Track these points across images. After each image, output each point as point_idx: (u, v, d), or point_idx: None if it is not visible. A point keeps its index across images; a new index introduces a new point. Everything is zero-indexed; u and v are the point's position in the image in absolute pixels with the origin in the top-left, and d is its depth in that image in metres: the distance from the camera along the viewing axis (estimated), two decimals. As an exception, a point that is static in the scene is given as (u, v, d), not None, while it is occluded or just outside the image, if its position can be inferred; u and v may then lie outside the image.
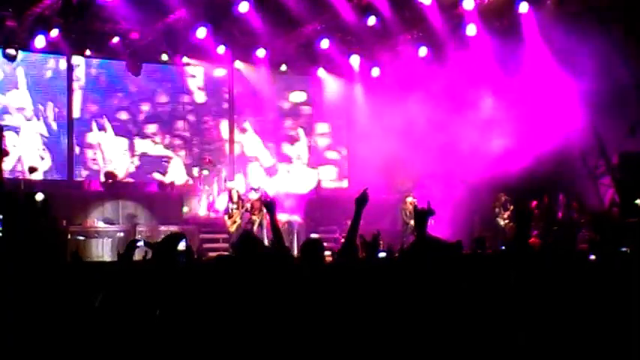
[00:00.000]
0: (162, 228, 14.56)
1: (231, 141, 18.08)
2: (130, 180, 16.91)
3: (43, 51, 15.61)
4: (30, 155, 15.86)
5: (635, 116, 14.45)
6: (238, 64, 17.54)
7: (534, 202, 14.45)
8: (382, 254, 8.44)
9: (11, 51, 15.00)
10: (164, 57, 16.45)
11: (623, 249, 8.69)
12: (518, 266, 4.81)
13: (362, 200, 5.26)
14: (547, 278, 4.82)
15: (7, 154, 14.15)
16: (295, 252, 14.08)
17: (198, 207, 16.39)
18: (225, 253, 12.86)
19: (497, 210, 15.35)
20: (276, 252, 5.34)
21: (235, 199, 14.31)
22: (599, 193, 15.17)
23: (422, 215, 5.03)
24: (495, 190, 15.47)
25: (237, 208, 14.12)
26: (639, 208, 13.64)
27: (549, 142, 14.38)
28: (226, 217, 14.43)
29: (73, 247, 13.40)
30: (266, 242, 10.95)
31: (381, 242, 8.78)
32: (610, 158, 15.08)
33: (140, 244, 6.88)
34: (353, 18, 15.30)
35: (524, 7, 14.81)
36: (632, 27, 14.58)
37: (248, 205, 14.25)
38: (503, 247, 12.82)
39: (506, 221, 15.09)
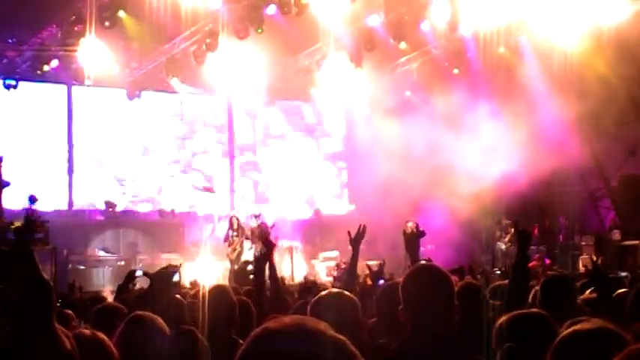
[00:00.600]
0: (164, 256, 14.56)
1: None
2: (130, 208, 16.94)
3: (43, 80, 15.71)
4: (29, 185, 15.89)
5: (635, 137, 14.49)
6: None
7: (535, 226, 14.41)
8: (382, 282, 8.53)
9: (11, 81, 15.09)
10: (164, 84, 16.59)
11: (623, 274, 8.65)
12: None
13: (359, 238, 5.32)
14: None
15: (7, 184, 14.14)
16: (295, 278, 14.18)
17: (200, 234, 16.39)
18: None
19: (497, 234, 15.33)
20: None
21: (235, 226, 14.30)
22: (600, 215, 15.16)
23: (412, 238, 5.00)
24: (495, 215, 15.48)
25: (238, 236, 14.09)
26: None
27: (548, 164, 14.43)
28: (226, 244, 14.42)
29: (73, 277, 13.41)
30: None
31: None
32: (609, 180, 15.09)
33: (139, 274, 6.89)
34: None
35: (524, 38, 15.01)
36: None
37: (248, 233, 14.23)
38: (498, 272, 12.85)
39: (508, 244, 15.05)
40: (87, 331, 3.37)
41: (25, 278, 2.47)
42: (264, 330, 1.77)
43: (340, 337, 1.77)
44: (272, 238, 12.37)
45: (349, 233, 5.51)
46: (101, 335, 3.33)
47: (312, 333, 1.76)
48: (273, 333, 1.75)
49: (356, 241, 5.30)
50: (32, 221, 13.65)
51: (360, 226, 5.40)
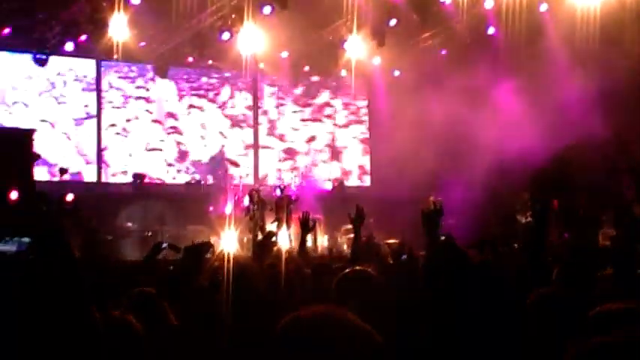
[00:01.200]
0: (190, 227, 15.01)
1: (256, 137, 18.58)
2: (158, 180, 17.36)
3: (72, 55, 16.09)
4: (60, 157, 16.34)
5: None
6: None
7: (556, 201, 14.57)
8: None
9: (42, 56, 15.48)
10: (190, 59, 16.93)
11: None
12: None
13: (358, 218, 5.56)
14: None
15: (38, 157, 14.58)
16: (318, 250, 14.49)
17: (225, 206, 16.69)
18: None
19: (518, 207, 15.53)
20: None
21: (255, 199, 14.54)
22: (622, 189, 15.31)
23: (430, 217, 4.98)
24: (516, 189, 15.68)
25: (258, 209, 14.31)
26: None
27: (570, 139, 14.60)
28: (247, 217, 14.66)
29: (102, 247, 13.90)
30: (291, 242, 11.14)
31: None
32: (632, 155, 15.22)
33: (165, 246, 7.24)
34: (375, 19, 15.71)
35: (544, 7, 15.05)
36: None
37: (271, 205, 14.44)
38: (516, 245, 13.01)
39: (529, 219, 15.24)
40: (117, 313, 3.66)
41: (56, 256, 2.72)
42: (294, 318, 1.96)
43: (366, 326, 1.95)
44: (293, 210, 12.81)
45: (349, 215, 5.74)
46: (130, 317, 3.60)
47: (339, 322, 1.94)
48: (303, 321, 1.95)
49: (356, 221, 5.52)
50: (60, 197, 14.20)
51: (358, 206, 5.62)
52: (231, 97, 18.51)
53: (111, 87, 17.23)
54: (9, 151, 13.58)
